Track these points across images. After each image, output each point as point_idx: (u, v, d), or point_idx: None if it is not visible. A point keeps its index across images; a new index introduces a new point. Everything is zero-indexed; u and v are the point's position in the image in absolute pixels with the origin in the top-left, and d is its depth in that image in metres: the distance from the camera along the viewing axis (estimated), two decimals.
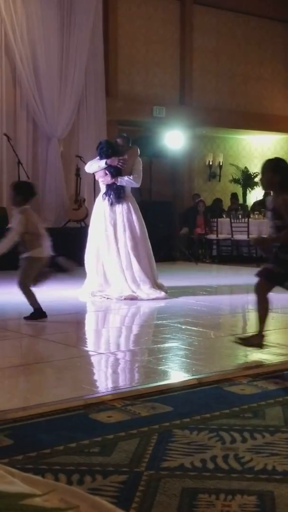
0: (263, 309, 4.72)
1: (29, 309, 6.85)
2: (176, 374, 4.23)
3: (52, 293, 7.81)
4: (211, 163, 15.98)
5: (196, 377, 4.01)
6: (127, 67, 13.91)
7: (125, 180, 7.55)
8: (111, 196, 7.57)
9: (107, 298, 7.34)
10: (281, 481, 2.51)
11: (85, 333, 6.00)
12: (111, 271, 7.50)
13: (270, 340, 5.17)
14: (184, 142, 13.06)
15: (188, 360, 4.54)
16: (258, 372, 4.15)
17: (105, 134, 12.65)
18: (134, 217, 7.55)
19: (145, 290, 7.40)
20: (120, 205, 7.55)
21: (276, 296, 8.19)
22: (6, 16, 11.60)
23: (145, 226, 7.68)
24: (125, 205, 7.56)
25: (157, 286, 7.59)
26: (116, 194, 7.55)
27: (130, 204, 7.58)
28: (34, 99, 11.96)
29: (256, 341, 4.70)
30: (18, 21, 11.70)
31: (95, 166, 7.73)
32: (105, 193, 7.63)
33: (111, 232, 7.53)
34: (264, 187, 4.95)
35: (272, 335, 5.47)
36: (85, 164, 11.80)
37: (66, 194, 12.33)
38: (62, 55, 12.29)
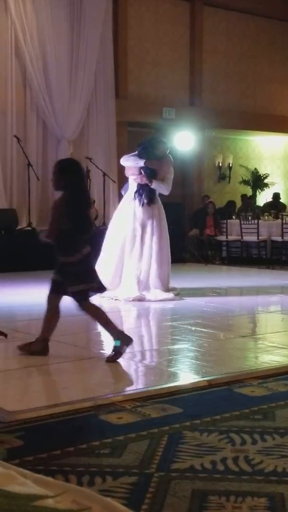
0: (51, 319, 4.76)
1: (39, 311, 6.86)
2: (186, 375, 4.23)
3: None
4: (220, 165, 15.96)
5: (206, 378, 4.01)
6: (137, 68, 13.93)
7: (158, 185, 7.49)
8: (143, 196, 7.48)
9: (115, 300, 7.32)
10: None
11: (95, 334, 5.99)
12: (128, 273, 7.46)
13: (280, 342, 5.17)
14: (194, 144, 13.06)
15: (198, 362, 4.53)
16: (268, 373, 4.14)
17: (114, 135, 12.68)
18: (163, 223, 7.53)
19: (155, 293, 7.39)
20: (151, 208, 7.50)
21: (286, 298, 8.21)
22: (16, 18, 11.63)
23: (168, 233, 7.68)
24: (156, 209, 7.52)
25: (167, 290, 7.57)
26: (149, 196, 7.48)
27: (160, 209, 7.56)
28: (44, 101, 11.99)
29: (37, 347, 4.63)
30: (28, 23, 11.74)
31: (131, 163, 7.60)
32: (137, 193, 7.51)
33: (139, 233, 7.45)
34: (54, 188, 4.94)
35: (282, 337, 5.46)
36: (95, 165, 11.93)
37: None
38: (72, 56, 12.31)
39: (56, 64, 12.07)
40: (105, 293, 7.42)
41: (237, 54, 15.44)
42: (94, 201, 12.10)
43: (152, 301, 7.27)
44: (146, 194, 7.46)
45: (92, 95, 12.65)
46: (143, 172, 7.47)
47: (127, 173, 7.69)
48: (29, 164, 11.31)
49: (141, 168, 7.48)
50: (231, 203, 14.51)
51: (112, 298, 7.35)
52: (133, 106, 13.59)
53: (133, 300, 7.26)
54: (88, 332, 6.13)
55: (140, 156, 7.56)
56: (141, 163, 7.52)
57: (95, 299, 7.35)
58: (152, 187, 7.46)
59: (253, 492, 2.42)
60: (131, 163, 7.61)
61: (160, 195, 7.74)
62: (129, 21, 13.67)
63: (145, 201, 7.46)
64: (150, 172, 7.46)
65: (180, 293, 7.69)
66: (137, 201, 7.49)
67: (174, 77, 14.47)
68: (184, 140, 12.44)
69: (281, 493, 2.42)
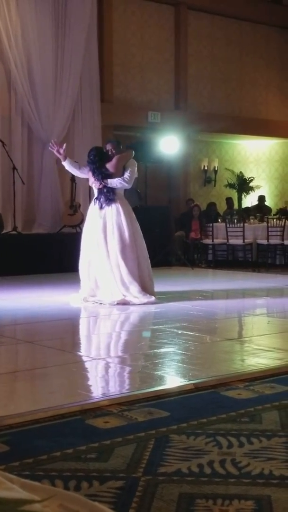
0: None
1: (25, 315, 6.85)
2: (173, 379, 4.23)
3: (46, 299, 7.81)
4: (206, 168, 16.01)
5: (193, 382, 4.01)
6: (122, 72, 13.95)
7: (114, 182, 7.55)
8: (101, 199, 7.59)
9: (100, 304, 7.33)
10: (278, 486, 2.50)
11: (81, 338, 5.99)
12: (102, 275, 7.51)
13: (266, 344, 5.18)
14: (180, 147, 13.08)
15: (184, 365, 4.53)
16: (255, 376, 4.14)
17: (100, 139, 12.67)
18: (123, 219, 7.52)
19: (134, 293, 7.39)
20: (110, 208, 7.55)
21: (272, 301, 8.24)
22: (0, 22, 11.61)
23: (138, 229, 7.66)
24: (114, 208, 7.55)
25: (147, 291, 7.57)
26: (105, 197, 7.56)
27: (119, 206, 7.56)
28: (29, 105, 11.97)
29: None
30: (12, 26, 11.72)
31: (76, 172, 7.98)
32: (96, 198, 7.66)
33: (101, 236, 7.53)
34: None
35: (268, 340, 5.48)
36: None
37: (61, 200, 12.34)
38: (57, 60, 12.30)
39: (41, 68, 12.05)
40: (90, 298, 7.45)
41: (222, 58, 15.50)
42: (79, 205, 12.10)
43: (137, 304, 7.28)
44: (103, 196, 7.57)
45: (77, 99, 12.65)
46: (94, 178, 7.59)
47: (90, 183, 7.86)
48: (14, 168, 11.28)
49: (92, 174, 7.64)
50: (212, 205, 14.55)
51: (96, 302, 7.36)
52: (119, 110, 13.61)
53: (117, 303, 7.27)
54: (74, 337, 6.11)
55: (88, 163, 7.73)
56: (85, 171, 7.78)
57: (80, 304, 7.38)
58: (108, 186, 7.53)
59: (240, 495, 2.42)
60: (77, 173, 7.97)
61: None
62: (114, 25, 13.69)
63: (103, 203, 7.56)
64: (99, 175, 7.58)
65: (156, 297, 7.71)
66: (97, 205, 7.62)
67: (159, 81, 14.50)
68: (169, 144, 12.45)
69: (268, 495, 2.42)
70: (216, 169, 16.08)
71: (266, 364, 4.50)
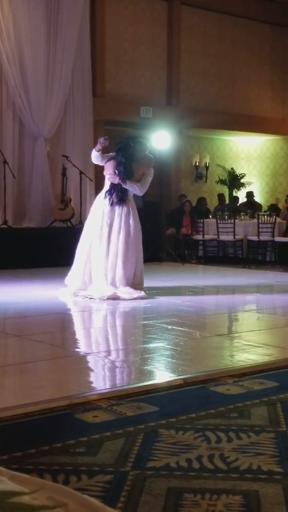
0: None
1: (14, 309, 6.84)
2: (162, 374, 4.24)
3: (36, 293, 7.80)
4: (197, 164, 16.01)
5: (182, 377, 4.02)
6: (114, 67, 13.92)
7: (131, 185, 7.51)
8: (114, 196, 7.53)
9: (90, 298, 7.33)
10: (266, 481, 2.51)
11: (71, 333, 5.98)
12: (96, 270, 7.50)
13: (256, 340, 5.20)
14: (171, 143, 13.07)
15: (174, 360, 4.54)
16: (244, 372, 4.16)
17: (91, 134, 12.66)
18: (132, 222, 7.52)
19: (124, 290, 7.39)
20: (121, 207, 7.53)
21: (261, 297, 8.26)
22: None
23: (141, 233, 7.67)
24: (125, 208, 7.53)
25: (139, 287, 7.58)
26: (119, 195, 7.51)
27: (130, 208, 7.56)
28: (21, 98, 11.92)
29: None
30: (4, 19, 11.66)
31: (98, 160, 7.71)
32: (108, 192, 7.57)
33: (105, 231, 7.49)
34: None
35: (257, 336, 5.50)
36: (71, 163, 11.90)
37: (52, 194, 12.31)
38: (49, 54, 12.26)
39: (33, 62, 12.01)
40: (80, 292, 7.45)
41: (214, 54, 15.50)
42: (70, 200, 12.08)
43: (127, 299, 7.28)
44: (116, 193, 7.52)
45: (69, 93, 12.61)
46: (117, 172, 7.49)
47: (105, 172, 7.72)
48: (5, 162, 11.25)
49: (115, 167, 7.51)
50: (201, 199, 14.56)
51: (86, 297, 7.35)
52: (111, 105, 13.58)
53: (108, 298, 7.27)
54: (64, 331, 6.11)
55: (117, 154, 7.58)
56: (105, 159, 7.62)
57: (69, 298, 7.38)
58: (125, 187, 7.48)
59: (228, 489, 2.43)
60: (98, 161, 7.71)
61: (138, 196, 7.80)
62: (107, 19, 13.65)
63: (115, 200, 7.52)
64: (125, 172, 7.47)
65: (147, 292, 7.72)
66: (107, 200, 7.55)
67: (151, 77, 14.48)
68: (161, 140, 12.43)
69: (256, 490, 2.43)
70: (207, 165, 16.09)
71: (255, 360, 4.52)
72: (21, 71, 11.89)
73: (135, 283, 7.58)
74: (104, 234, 7.49)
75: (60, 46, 12.33)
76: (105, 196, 7.57)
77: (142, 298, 7.35)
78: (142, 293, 7.44)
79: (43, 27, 12.11)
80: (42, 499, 0.98)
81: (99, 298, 7.28)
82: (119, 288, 7.39)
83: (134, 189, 7.54)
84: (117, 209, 7.52)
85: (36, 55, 12.04)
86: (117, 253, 7.45)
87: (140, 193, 7.62)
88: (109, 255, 7.46)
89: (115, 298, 7.29)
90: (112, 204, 7.52)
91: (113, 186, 7.54)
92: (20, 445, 2.86)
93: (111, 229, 7.49)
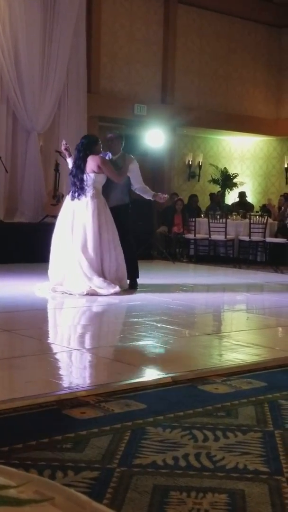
0: None
1: (3, 304, 6.83)
2: (151, 372, 4.24)
3: (26, 288, 7.78)
4: (191, 163, 16.02)
5: (171, 375, 4.02)
6: (110, 64, 13.90)
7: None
8: (73, 191, 7.62)
9: (69, 294, 7.31)
10: (252, 480, 2.52)
11: (60, 329, 5.98)
12: (68, 267, 7.50)
13: (245, 340, 5.21)
14: (165, 141, 13.08)
15: (163, 358, 4.54)
16: (232, 371, 4.16)
17: (85, 130, 12.62)
18: (89, 216, 7.46)
19: (98, 284, 7.36)
20: (80, 202, 7.55)
21: (251, 297, 8.28)
22: None
23: (108, 222, 7.59)
24: (83, 203, 7.52)
25: (115, 282, 7.58)
26: (76, 189, 7.57)
27: (89, 202, 7.50)
28: (15, 93, 11.89)
29: None
30: (0, 14, 11.62)
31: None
32: (71, 187, 7.69)
33: (68, 229, 7.56)
34: None
35: (247, 335, 5.51)
36: (65, 160, 11.87)
37: (44, 189, 12.29)
38: (44, 49, 12.22)
39: (28, 57, 11.97)
40: (58, 287, 7.44)
41: (209, 54, 15.50)
42: (62, 196, 12.05)
43: (104, 295, 7.25)
44: (74, 188, 7.59)
45: (64, 89, 12.58)
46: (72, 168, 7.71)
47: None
48: None
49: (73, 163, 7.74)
50: (193, 197, 14.57)
51: (65, 292, 7.33)
52: (105, 102, 13.57)
53: (87, 293, 7.25)
54: (53, 327, 6.10)
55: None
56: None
57: (48, 294, 7.36)
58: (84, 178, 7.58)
59: (214, 488, 2.44)
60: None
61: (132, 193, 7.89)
62: (103, 16, 13.63)
63: (74, 196, 7.59)
64: (77, 166, 7.64)
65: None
66: (69, 196, 7.68)
67: (146, 74, 14.47)
68: (155, 138, 12.44)
69: (242, 489, 2.43)
70: (200, 164, 16.10)
71: (244, 359, 4.53)
72: (16, 65, 11.85)
73: (111, 277, 7.56)
74: (68, 231, 7.56)
75: (55, 41, 12.29)
76: (69, 193, 7.75)
77: (117, 292, 7.35)
78: (117, 288, 7.42)
79: (39, 22, 12.07)
80: (29, 493, 0.98)
81: (78, 293, 7.27)
82: (93, 280, 7.38)
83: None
84: (76, 204, 7.56)
85: (31, 50, 12.00)
86: (79, 247, 7.46)
87: (116, 179, 7.73)
88: (74, 250, 7.47)
89: (93, 294, 7.27)
90: (72, 199, 7.60)
91: (72, 183, 7.64)
92: (6, 440, 2.86)
93: (72, 226, 7.55)
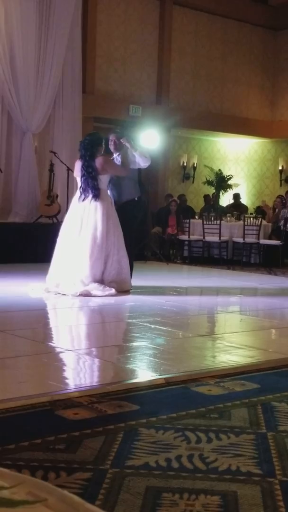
0: None
1: (3, 303, 6.81)
2: (144, 373, 4.24)
3: (19, 289, 7.77)
4: (185, 164, 16.03)
5: (164, 376, 4.02)
6: (105, 64, 13.90)
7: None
8: (85, 192, 7.58)
9: (63, 295, 7.30)
10: (245, 482, 2.52)
11: (54, 329, 5.97)
12: (68, 267, 7.49)
13: (238, 342, 5.21)
14: (159, 142, 13.08)
15: (156, 360, 4.54)
16: (225, 373, 4.17)
17: (80, 130, 12.63)
18: (99, 218, 7.46)
19: (93, 286, 7.36)
20: (89, 204, 7.54)
21: (245, 300, 8.29)
22: None
23: (115, 224, 7.62)
24: (93, 205, 7.52)
25: (111, 284, 7.57)
26: (93, 192, 7.54)
27: (98, 204, 7.51)
28: (10, 92, 11.87)
29: None
30: None
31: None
32: (81, 188, 7.64)
33: (76, 230, 7.54)
34: None
35: (240, 337, 5.51)
36: (59, 159, 11.87)
37: (39, 189, 12.28)
38: (39, 50, 12.22)
39: (24, 56, 11.96)
40: (52, 288, 7.43)
41: (205, 55, 15.52)
42: (57, 196, 12.05)
43: (99, 296, 7.25)
44: (89, 190, 7.56)
45: (58, 89, 12.58)
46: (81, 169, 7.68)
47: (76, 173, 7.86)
48: None
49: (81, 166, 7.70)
50: (182, 196, 14.58)
51: (59, 293, 7.32)
52: (100, 102, 13.57)
53: (80, 294, 7.24)
54: (46, 327, 6.09)
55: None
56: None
57: (42, 294, 7.35)
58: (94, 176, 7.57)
59: (206, 490, 2.43)
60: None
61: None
62: (99, 17, 13.63)
63: (83, 197, 7.57)
64: (85, 168, 7.60)
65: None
66: (77, 196, 7.66)
67: (141, 75, 14.48)
68: (149, 139, 12.44)
69: (234, 491, 2.43)
70: (195, 165, 16.11)
71: (237, 361, 4.53)
72: (11, 65, 11.84)
73: (109, 279, 7.55)
74: (76, 232, 7.53)
75: (51, 41, 12.29)
76: (78, 194, 7.72)
77: (112, 295, 7.34)
78: (112, 291, 7.41)
79: (34, 22, 12.07)
80: (22, 494, 0.97)
81: (71, 294, 7.26)
82: (88, 286, 7.38)
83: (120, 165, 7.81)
84: (86, 205, 7.55)
85: (27, 50, 12.00)
86: (83, 250, 7.45)
87: (124, 170, 7.83)
88: (79, 252, 7.46)
89: (86, 294, 7.26)
90: (83, 200, 7.57)
91: (84, 183, 7.61)
92: None
93: (81, 227, 7.53)
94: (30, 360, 4.48)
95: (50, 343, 5.14)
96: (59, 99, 12.64)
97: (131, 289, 7.78)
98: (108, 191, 7.86)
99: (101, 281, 7.48)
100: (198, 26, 15.37)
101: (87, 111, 13.10)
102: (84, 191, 7.61)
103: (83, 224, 7.52)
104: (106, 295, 7.30)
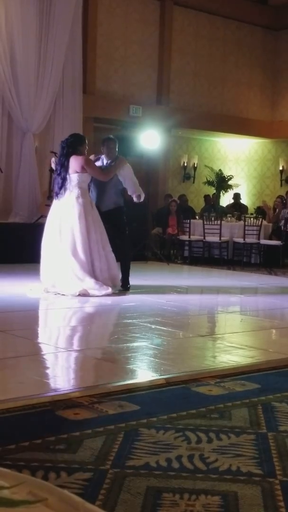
0: None
1: (0, 304, 6.81)
2: (144, 373, 4.24)
3: (20, 289, 7.77)
4: (186, 164, 16.03)
5: (164, 376, 4.02)
6: (105, 65, 13.90)
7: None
8: (58, 189, 7.59)
9: (62, 295, 7.30)
10: (245, 482, 2.52)
11: (54, 329, 5.97)
12: (59, 268, 7.49)
13: (238, 342, 5.21)
14: (160, 143, 13.08)
15: (156, 360, 4.54)
16: (226, 373, 4.17)
17: (80, 130, 12.60)
18: (75, 217, 7.42)
19: (90, 285, 7.35)
20: (65, 204, 7.51)
21: (245, 299, 8.29)
22: None
23: (95, 223, 7.56)
24: (69, 205, 7.49)
25: (108, 280, 7.57)
26: (64, 190, 7.54)
27: (75, 203, 7.47)
28: (10, 93, 11.87)
29: None
30: None
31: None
32: (56, 187, 7.66)
33: (56, 231, 7.54)
34: None
35: (240, 337, 5.51)
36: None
37: (39, 190, 12.28)
38: (40, 50, 12.22)
39: (24, 57, 11.96)
40: (50, 288, 7.43)
41: (205, 55, 15.52)
42: None
43: (96, 296, 7.24)
44: (63, 188, 7.53)
45: (59, 90, 12.58)
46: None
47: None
48: None
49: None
50: (182, 196, 14.58)
51: (58, 293, 7.32)
52: (100, 103, 13.57)
53: (79, 294, 7.23)
54: (47, 327, 6.10)
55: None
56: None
57: (41, 294, 7.35)
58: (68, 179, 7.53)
59: (207, 490, 2.43)
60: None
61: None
62: (99, 17, 13.64)
63: (62, 194, 7.53)
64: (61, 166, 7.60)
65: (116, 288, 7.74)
66: (57, 195, 7.62)
67: (142, 76, 14.48)
68: (150, 139, 12.44)
69: (235, 491, 2.43)
70: (195, 165, 16.11)
71: (238, 361, 4.53)
72: (12, 65, 11.85)
73: (103, 277, 7.54)
74: (56, 233, 7.52)
75: (51, 42, 12.29)
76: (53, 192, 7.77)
77: (109, 294, 7.34)
78: (109, 290, 7.41)
79: (35, 22, 12.07)
80: (23, 494, 0.97)
81: (71, 294, 7.26)
82: (85, 281, 7.36)
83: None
84: (62, 206, 7.53)
85: (27, 50, 12.00)
86: (69, 251, 7.44)
87: (102, 177, 7.71)
88: (63, 252, 7.45)
89: (85, 294, 7.26)
90: (57, 199, 7.56)
91: (57, 180, 7.60)
92: None
93: (60, 227, 7.51)
94: (30, 360, 4.48)
95: (50, 344, 5.14)
96: (59, 100, 12.64)
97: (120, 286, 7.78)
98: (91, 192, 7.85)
99: (95, 277, 7.47)
100: (199, 27, 15.37)
101: (88, 111, 13.10)
102: (57, 188, 7.59)
103: (62, 224, 7.51)
104: (103, 295, 7.29)
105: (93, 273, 7.49)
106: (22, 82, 11.95)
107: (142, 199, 8.17)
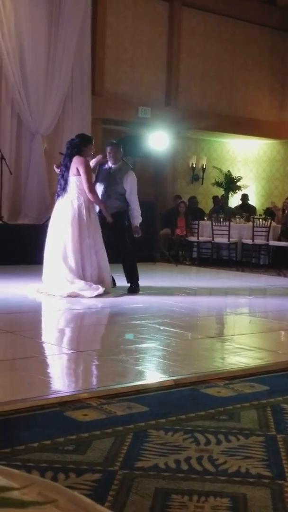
0: None
1: (7, 305, 6.82)
2: (153, 374, 4.24)
3: (26, 290, 7.78)
4: (194, 166, 16.02)
5: (173, 378, 4.02)
6: (114, 66, 13.91)
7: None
8: (59, 190, 7.59)
9: (53, 296, 7.29)
10: (254, 484, 2.52)
11: (63, 331, 5.98)
12: (52, 269, 7.50)
13: (247, 343, 5.20)
14: (169, 144, 13.08)
15: (165, 361, 4.54)
16: (235, 375, 4.16)
17: (89, 132, 12.61)
18: (69, 220, 7.41)
19: (80, 286, 7.34)
20: (61, 206, 7.52)
21: (254, 301, 8.27)
22: None
23: (90, 228, 7.52)
24: (65, 207, 7.49)
25: (103, 284, 7.55)
26: (63, 189, 7.54)
27: (69, 205, 7.46)
28: (20, 95, 11.90)
29: None
30: (6, 15, 11.64)
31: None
32: (57, 188, 7.67)
33: (52, 232, 7.56)
34: None
35: (249, 339, 5.50)
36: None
37: (48, 191, 12.29)
38: (49, 51, 12.25)
39: (33, 58, 11.99)
40: (42, 289, 7.43)
41: (214, 56, 15.50)
42: None
43: (88, 297, 7.22)
44: (62, 188, 7.54)
45: (68, 91, 12.60)
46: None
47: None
48: (2, 158, 11.22)
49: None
50: (192, 198, 14.56)
51: (49, 294, 7.32)
52: (109, 104, 13.58)
53: (68, 296, 7.22)
54: (56, 329, 6.10)
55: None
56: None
57: (35, 295, 7.35)
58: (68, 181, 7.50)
59: (216, 492, 2.43)
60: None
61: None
62: (108, 19, 13.65)
63: (61, 195, 7.53)
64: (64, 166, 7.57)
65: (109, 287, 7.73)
66: (58, 196, 7.62)
67: (150, 77, 14.48)
68: (158, 140, 12.44)
69: (244, 493, 2.43)
70: (204, 167, 16.09)
71: (247, 363, 4.52)
72: (21, 67, 11.88)
73: (93, 281, 7.51)
74: (52, 234, 7.54)
75: (60, 43, 12.31)
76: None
77: (100, 294, 7.32)
78: (100, 289, 7.37)
79: (44, 24, 12.10)
80: (33, 495, 0.98)
81: (60, 295, 7.25)
82: (75, 283, 7.36)
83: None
84: (59, 208, 7.54)
85: (36, 52, 12.03)
86: (60, 255, 7.44)
87: (86, 188, 7.48)
88: (56, 257, 7.45)
89: (75, 295, 7.25)
90: (58, 199, 7.56)
91: (59, 181, 7.59)
92: (8, 441, 2.85)
93: (56, 229, 7.53)
94: (39, 361, 4.49)
95: (59, 345, 5.15)
96: (68, 101, 12.66)
97: (109, 292, 7.71)
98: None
99: (85, 279, 7.46)
100: (207, 27, 15.35)
101: (96, 112, 13.12)
102: (58, 189, 7.60)
103: (57, 227, 7.53)
104: (95, 296, 7.27)
105: (83, 278, 7.46)
106: (31, 84, 11.98)
107: (139, 234, 8.03)
